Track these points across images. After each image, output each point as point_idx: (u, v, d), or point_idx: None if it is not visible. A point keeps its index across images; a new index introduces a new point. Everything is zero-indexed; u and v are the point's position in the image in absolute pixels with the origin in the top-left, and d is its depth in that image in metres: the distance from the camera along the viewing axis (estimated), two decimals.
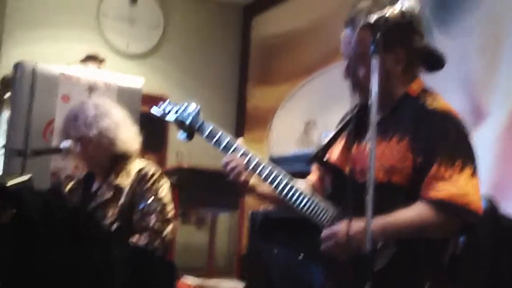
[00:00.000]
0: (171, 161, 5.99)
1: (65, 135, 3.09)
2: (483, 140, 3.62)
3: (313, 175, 2.49)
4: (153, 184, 3.00)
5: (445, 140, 2.10)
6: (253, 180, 2.33)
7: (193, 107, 2.42)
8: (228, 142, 2.33)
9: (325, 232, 2.13)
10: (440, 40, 4.16)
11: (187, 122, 2.40)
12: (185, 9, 6.76)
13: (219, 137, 2.34)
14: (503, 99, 4.01)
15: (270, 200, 2.43)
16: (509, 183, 3.79)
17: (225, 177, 2.32)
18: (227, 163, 2.30)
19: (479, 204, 2.07)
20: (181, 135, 2.43)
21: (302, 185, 2.33)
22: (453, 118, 2.17)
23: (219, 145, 2.34)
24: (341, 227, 2.06)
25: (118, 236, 2.86)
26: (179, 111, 2.44)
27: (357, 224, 1.93)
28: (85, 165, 3.16)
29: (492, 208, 2.64)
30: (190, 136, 2.41)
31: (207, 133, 2.37)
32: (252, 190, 2.35)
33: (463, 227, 2.11)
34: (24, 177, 2.34)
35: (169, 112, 2.47)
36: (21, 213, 2.20)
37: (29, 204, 2.27)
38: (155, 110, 2.52)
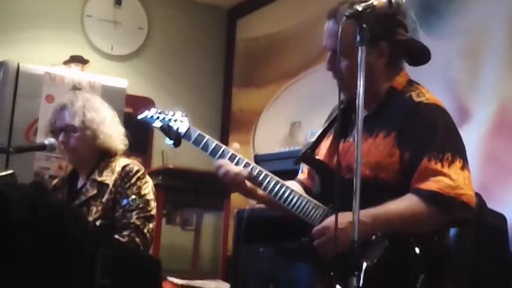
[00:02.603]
0: (156, 162, 5.95)
1: (50, 126, 3.07)
2: (468, 140, 3.61)
3: (303, 174, 2.48)
4: (136, 181, 2.99)
5: (433, 134, 2.09)
6: (249, 184, 2.31)
7: (179, 114, 2.44)
8: (215, 146, 2.34)
9: (316, 228, 2.11)
10: (425, 41, 4.15)
11: (173, 129, 2.41)
12: (169, 12, 6.73)
13: (206, 142, 2.35)
14: (487, 100, 4.02)
15: (264, 201, 2.42)
16: (495, 182, 3.81)
17: (211, 178, 2.31)
18: (219, 167, 2.29)
19: (471, 197, 2.05)
20: (168, 141, 2.44)
21: (292, 186, 2.31)
22: (440, 111, 2.16)
23: (207, 149, 2.35)
24: (332, 221, 2.04)
25: (102, 233, 2.83)
26: (166, 118, 2.46)
27: (347, 218, 1.90)
28: (68, 158, 3.13)
29: (479, 205, 2.64)
30: (176, 143, 2.43)
31: (193, 139, 2.38)
32: (250, 192, 2.33)
33: (456, 220, 2.09)
34: (7, 172, 2.31)
35: (156, 119, 2.49)
36: (2, 207, 2.17)
37: (12, 200, 2.24)
38: (142, 117, 2.54)
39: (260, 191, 2.31)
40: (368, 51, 1.95)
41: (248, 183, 2.30)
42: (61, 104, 3.10)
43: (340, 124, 2.19)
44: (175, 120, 2.43)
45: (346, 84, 2.11)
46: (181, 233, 5.96)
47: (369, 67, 2.00)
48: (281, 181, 2.26)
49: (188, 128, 2.40)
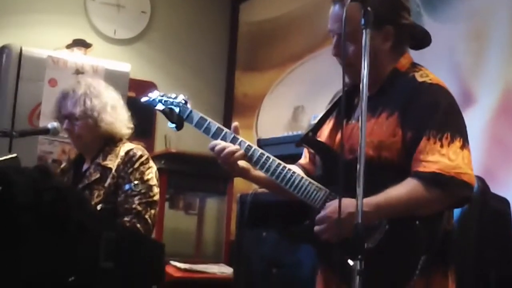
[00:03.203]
0: (159, 146, 5.95)
1: (56, 113, 3.08)
2: (473, 125, 3.61)
3: (305, 159, 2.48)
4: (139, 166, 2.98)
5: (434, 113, 2.09)
6: (244, 163, 2.31)
7: (181, 97, 2.44)
8: (217, 129, 2.33)
9: (319, 215, 2.11)
10: (429, 25, 4.15)
11: (176, 112, 2.41)
12: None
13: (208, 125, 2.35)
14: (492, 84, 4.01)
15: (263, 184, 2.42)
16: (498, 166, 3.81)
17: (214, 162, 2.31)
18: (213, 147, 2.29)
19: (471, 176, 2.05)
20: (170, 124, 2.45)
21: (294, 169, 2.31)
22: (443, 91, 2.16)
23: (208, 132, 2.35)
24: (332, 211, 2.04)
25: (106, 217, 2.84)
26: (168, 101, 2.45)
27: (348, 208, 1.91)
28: (73, 145, 3.15)
29: (482, 189, 2.64)
30: (179, 126, 2.43)
31: (195, 121, 2.38)
32: (244, 172, 2.33)
33: (457, 200, 2.09)
34: (10, 156, 2.31)
35: (158, 101, 2.49)
36: (7, 191, 2.17)
37: (16, 183, 2.24)
38: (145, 100, 2.54)
39: (258, 173, 2.31)
40: (374, 34, 1.95)
41: (243, 163, 2.29)
42: (63, 92, 3.10)
43: (343, 107, 2.19)
44: (177, 103, 2.43)
45: (354, 69, 2.10)
46: (184, 217, 5.97)
47: (374, 51, 2.00)
48: (283, 164, 2.26)
49: (190, 111, 2.40)
